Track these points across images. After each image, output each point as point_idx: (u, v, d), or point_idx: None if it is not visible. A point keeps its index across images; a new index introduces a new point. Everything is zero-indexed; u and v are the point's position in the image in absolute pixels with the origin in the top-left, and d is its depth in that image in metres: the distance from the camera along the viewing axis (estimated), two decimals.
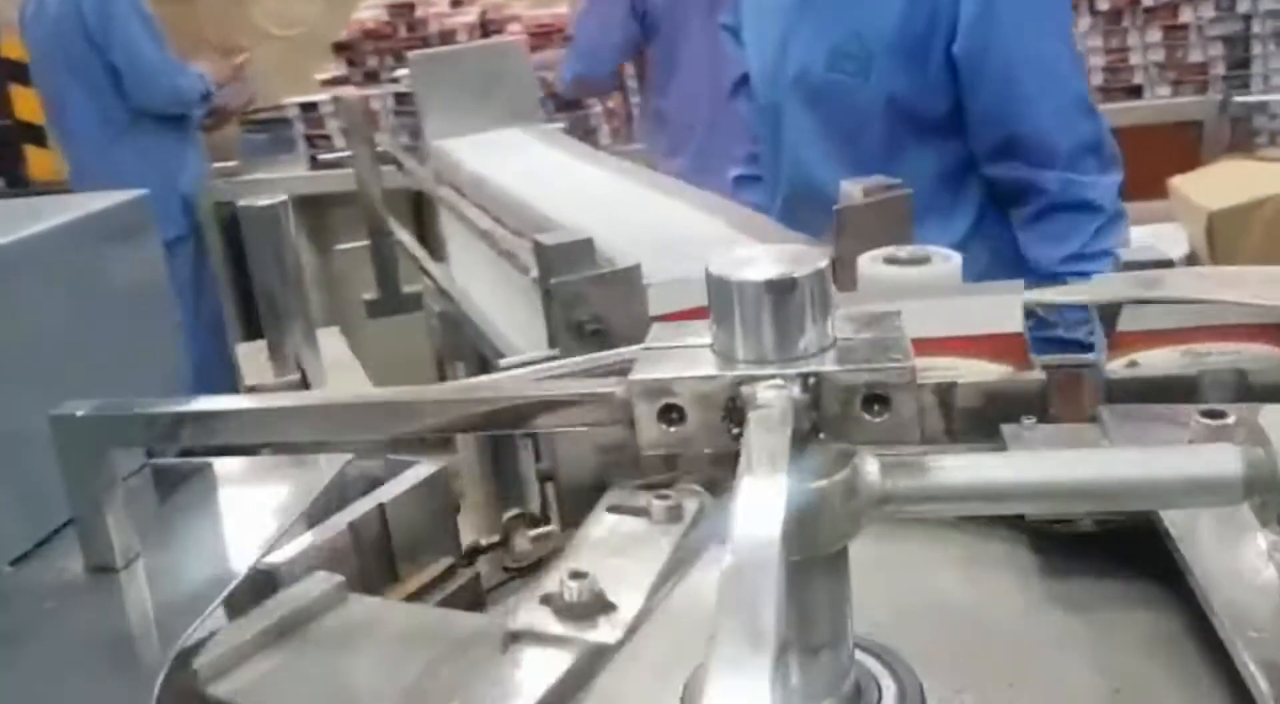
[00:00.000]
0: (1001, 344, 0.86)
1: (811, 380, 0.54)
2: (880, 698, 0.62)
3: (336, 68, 4.12)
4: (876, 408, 0.54)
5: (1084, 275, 0.94)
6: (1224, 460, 0.56)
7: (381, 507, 0.70)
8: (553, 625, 0.54)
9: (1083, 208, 1.68)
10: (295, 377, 0.92)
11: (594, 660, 0.52)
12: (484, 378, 0.79)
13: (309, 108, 3.97)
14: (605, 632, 0.53)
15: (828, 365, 0.54)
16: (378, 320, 2.37)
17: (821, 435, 0.55)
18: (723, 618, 0.37)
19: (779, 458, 0.48)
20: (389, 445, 0.82)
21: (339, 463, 0.73)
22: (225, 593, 0.59)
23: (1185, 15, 3.47)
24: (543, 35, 3.96)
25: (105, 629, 0.58)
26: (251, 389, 0.92)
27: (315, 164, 3.90)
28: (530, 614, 0.54)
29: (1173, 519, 0.67)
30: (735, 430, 0.55)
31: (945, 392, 0.79)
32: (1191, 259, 2.64)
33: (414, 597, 0.72)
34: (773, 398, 0.54)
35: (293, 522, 0.67)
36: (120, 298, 0.78)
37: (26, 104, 4.67)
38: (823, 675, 0.60)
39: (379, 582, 0.71)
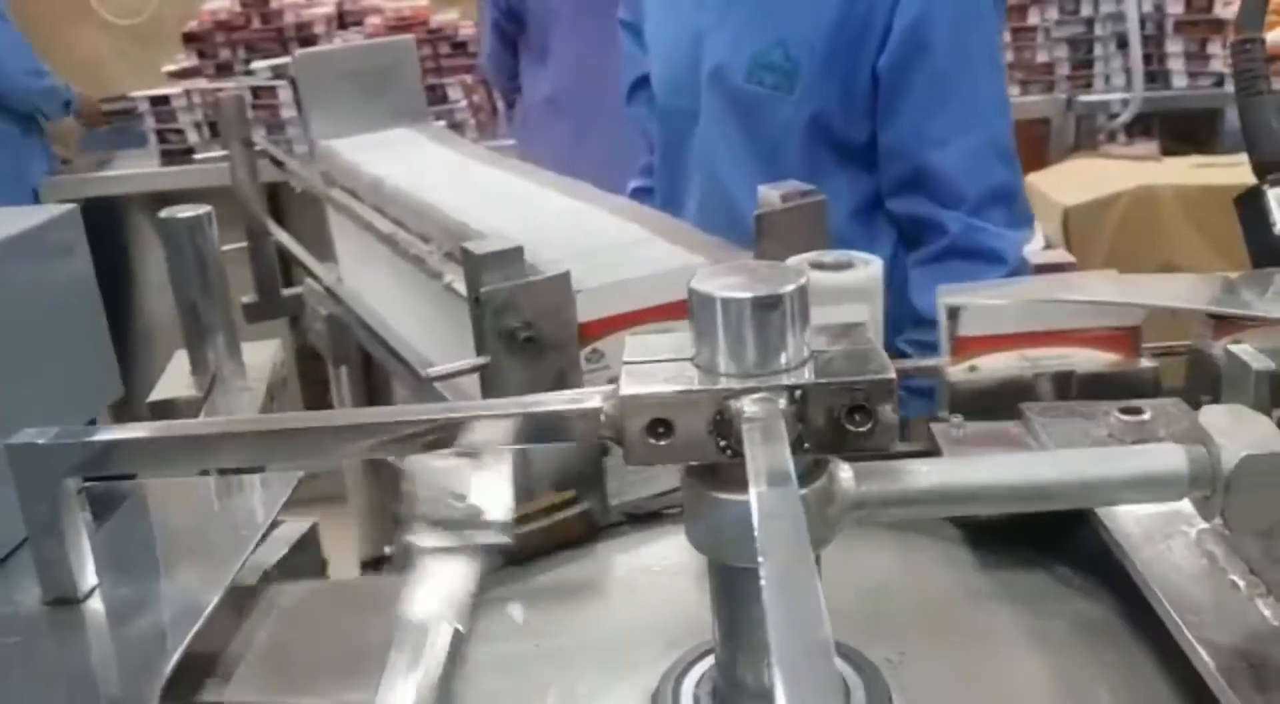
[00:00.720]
0: None
1: (797, 393, 0.56)
2: (849, 697, 0.64)
3: (187, 59, 3.98)
4: (859, 418, 0.56)
5: None
6: (1170, 459, 0.60)
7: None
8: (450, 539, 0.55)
9: (983, 256, 1.54)
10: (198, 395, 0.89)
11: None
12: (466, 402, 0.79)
13: (160, 101, 3.82)
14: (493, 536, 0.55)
15: (811, 377, 0.56)
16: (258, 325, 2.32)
17: (806, 446, 0.57)
18: (780, 638, 0.39)
19: (786, 468, 0.50)
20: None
21: (293, 481, 0.71)
22: (200, 622, 0.58)
23: (1033, 17, 3.62)
24: (402, 28, 3.90)
25: (81, 664, 0.56)
26: (161, 405, 0.89)
27: (167, 159, 3.77)
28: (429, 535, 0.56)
29: (1106, 512, 0.72)
30: (723, 443, 0.57)
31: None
32: None
33: None
34: (761, 411, 0.55)
35: (255, 543, 0.66)
36: (55, 315, 0.75)
37: None
38: None
39: None
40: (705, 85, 1.65)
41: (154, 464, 0.63)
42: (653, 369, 0.59)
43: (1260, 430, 0.59)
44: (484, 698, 0.70)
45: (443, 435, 0.59)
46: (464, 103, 3.69)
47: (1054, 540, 0.79)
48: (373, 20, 3.96)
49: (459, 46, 3.92)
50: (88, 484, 0.75)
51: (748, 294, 0.56)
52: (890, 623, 0.72)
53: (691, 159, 1.74)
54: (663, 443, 0.57)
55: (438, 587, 0.50)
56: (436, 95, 3.67)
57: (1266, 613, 0.61)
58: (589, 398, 0.59)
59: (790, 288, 0.57)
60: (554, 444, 0.67)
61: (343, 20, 4.04)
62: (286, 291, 2.05)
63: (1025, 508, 0.61)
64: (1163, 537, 0.69)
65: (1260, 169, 1.07)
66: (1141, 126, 3.61)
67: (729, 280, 0.58)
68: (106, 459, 0.62)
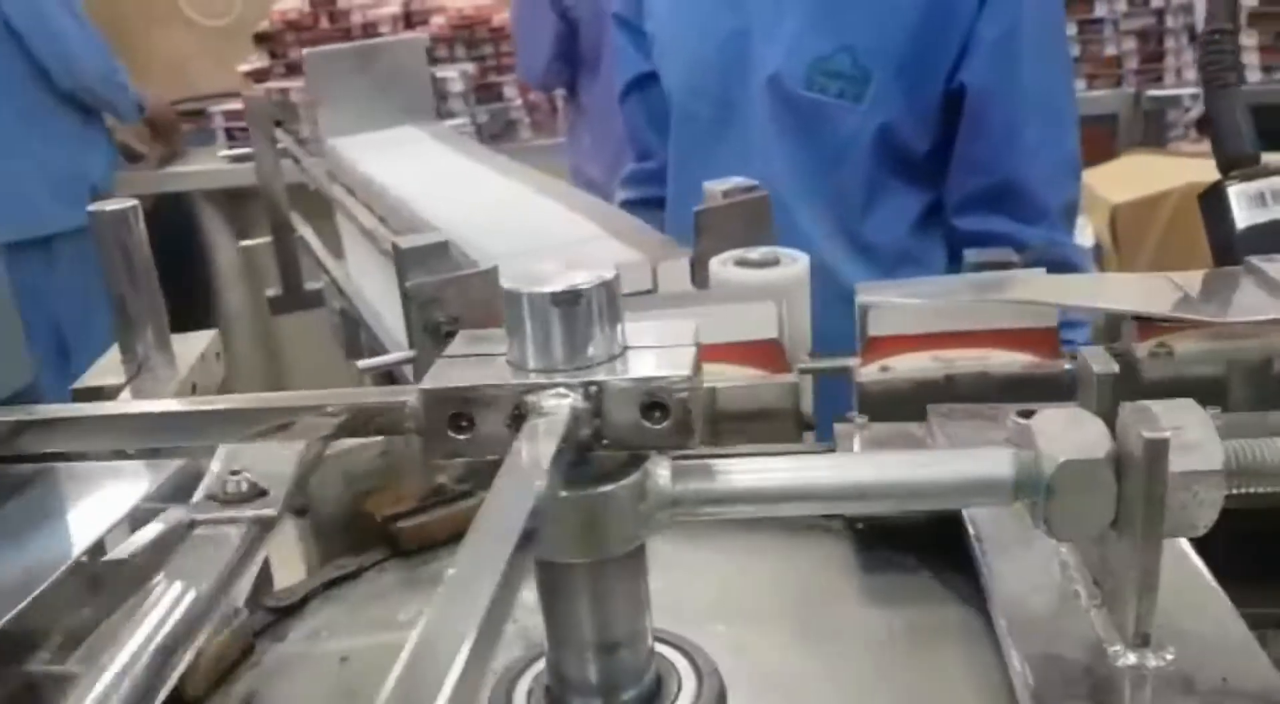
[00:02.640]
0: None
1: (593, 389, 0.56)
2: (680, 688, 0.64)
3: (259, 59, 4.08)
4: (657, 415, 0.56)
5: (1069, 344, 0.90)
6: (997, 463, 0.58)
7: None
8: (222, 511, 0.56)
9: (1065, 269, 1.43)
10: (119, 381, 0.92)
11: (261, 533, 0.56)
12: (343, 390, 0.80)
13: (229, 99, 3.94)
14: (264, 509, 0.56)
15: (608, 374, 0.56)
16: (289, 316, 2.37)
17: (605, 442, 0.57)
18: (437, 604, 0.39)
19: (538, 464, 0.50)
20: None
21: (170, 468, 0.74)
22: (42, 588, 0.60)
23: (1100, 9, 3.53)
24: (466, 27, 3.95)
25: None
26: (87, 392, 0.92)
27: (234, 156, 3.87)
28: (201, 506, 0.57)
29: (973, 516, 0.70)
30: None
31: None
32: (1097, 252, 2.70)
33: None
34: (554, 406, 0.55)
35: (118, 522, 0.68)
36: None
37: None
38: (622, 671, 0.62)
39: None
40: (756, 92, 1.57)
41: (36, 445, 0.65)
42: (466, 362, 0.59)
43: (1089, 435, 0.57)
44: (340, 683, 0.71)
45: (268, 426, 0.60)
46: (519, 101, 3.72)
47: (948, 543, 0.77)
48: (437, 20, 4.02)
49: None
50: None
51: (547, 289, 0.56)
52: (747, 618, 0.71)
53: (720, 166, 1.56)
54: (463, 437, 0.57)
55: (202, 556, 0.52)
56: (492, 93, 3.71)
57: (1097, 625, 0.59)
58: (405, 392, 0.60)
59: (592, 284, 0.56)
60: None
61: (409, 20, 4.11)
62: (310, 285, 2.10)
63: (844, 509, 0.61)
64: (1023, 542, 0.67)
65: (1225, 164, 1.04)
66: None
67: (538, 274, 0.58)
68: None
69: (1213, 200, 1.02)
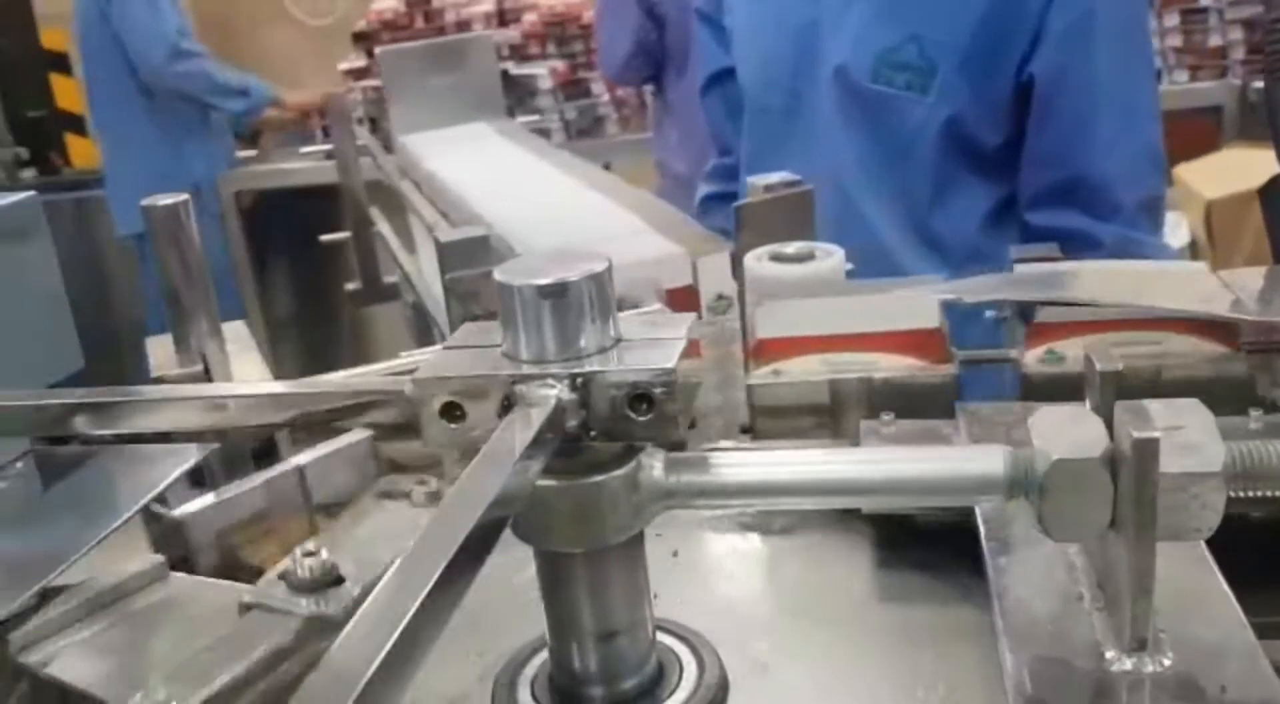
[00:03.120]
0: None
1: (580, 380, 0.56)
2: (681, 677, 0.64)
3: (357, 58, 4.17)
4: (644, 407, 0.56)
5: None
6: (990, 461, 0.57)
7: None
8: (280, 598, 0.57)
9: None
10: (198, 368, 0.95)
11: (320, 630, 0.56)
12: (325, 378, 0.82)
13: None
14: (329, 604, 0.57)
15: (596, 366, 0.56)
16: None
17: (593, 433, 0.57)
18: (391, 575, 0.40)
19: (510, 452, 0.51)
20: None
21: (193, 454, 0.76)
22: (55, 574, 0.63)
23: None
24: (557, 24, 3.98)
25: None
26: (158, 379, 0.95)
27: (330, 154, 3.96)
28: (265, 587, 0.58)
29: (986, 516, 0.69)
30: None
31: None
32: (1193, 248, 2.61)
33: None
34: (541, 397, 0.56)
35: (134, 510, 0.71)
36: (12, 292, 0.82)
37: (67, 93, 4.79)
38: (622, 660, 0.62)
39: None
40: (824, 84, 1.56)
41: (87, 428, 0.68)
42: (463, 353, 0.60)
43: (1086, 434, 0.56)
44: None
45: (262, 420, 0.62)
46: (606, 97, 3.74)
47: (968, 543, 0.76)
48: (529, 17, 4.05)
49: None
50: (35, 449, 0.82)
51: (534, 281, 0.57)
52: (758, 611, 0.71)
53: (792, 160, 1.53)
54: (455, 426, 0.58)
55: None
56: (579, 89, 3.73)
57: (1097, 628, 0.58)
58: (402, 382, 0.61)
59: (581, 275, 0.57)
60: None
61: (502, 17, 4.15)
62: (387, 278, 2.15)
63: (836, 504, 0.60)
64: (1033, 543, 0.66)
65: None
66: None
67: (530, 268, 0.59)
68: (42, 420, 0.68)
69: (1275, 196, 0.99)
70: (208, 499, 0.81)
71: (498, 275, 0.59)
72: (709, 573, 0.78)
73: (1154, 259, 1.45)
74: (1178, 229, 2.57)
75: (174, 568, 0.70)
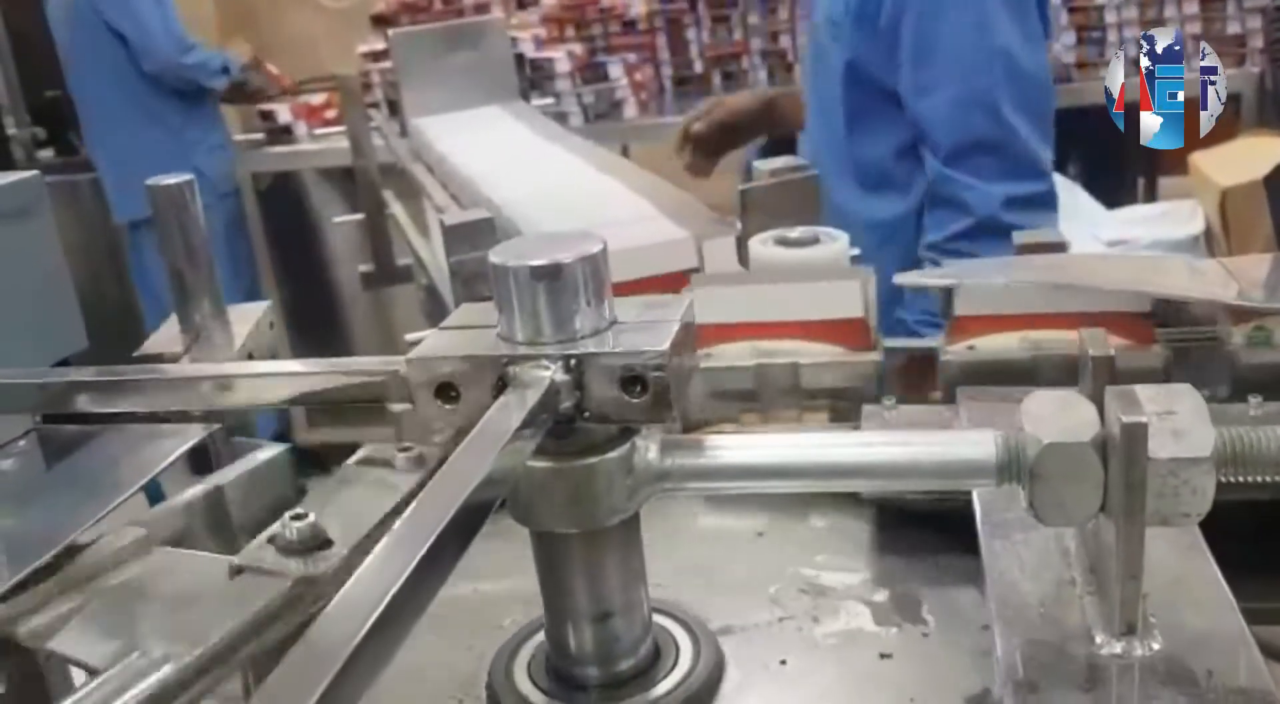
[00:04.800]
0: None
1: (574, 362, 0.57)
2: (677, 658, 0.65)
3: (376, 40, 4.17)
4: (638, 389, 0.56)
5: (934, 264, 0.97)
6: (980, 445, 0.57)
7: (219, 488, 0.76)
8: (270, 561, 0.58)
9: (950, 204, 1.70)
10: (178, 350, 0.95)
11: (307, 590, 0.57)
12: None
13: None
14: (318, 566, 0.58)
15: (590, 348, 0.57)
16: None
17: (586, 414, 0.57)
18: (378, 551, 0.41)
19: (502, 432, 0.51)
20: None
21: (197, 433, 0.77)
22: (50, 556, 0.64)
23: None
24: (577, 8, 3.97)
25: None
26: (146, 359, 0.95)
27: (324, 136, 3.96)
28: (255, 550, 0.59)
29: (983, 499, 0.69)
30: None
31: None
32: (1208, 236, 2.60)
33: None
34: (534, 378, 0.56)
35: (134, 490, 0.71)
36: (15, 270, 0.82)
37: None
38: (617, 641, 0.63)
39: None
40: (810, 35, 1.93)
41: (87, 405, 0.68)
42: (458, 334, 0.61)
43: (1077, 418, 0.56)
44: None
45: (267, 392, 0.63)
46: (624, 81, 3.73)
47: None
48: (548, 1, 4.05)
49: (629, 25, 3.96)
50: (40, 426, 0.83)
51: (528, 263, 0.57)
52: (748, 592, 0.72)
53: (811, 93, 1.98)
54: (449, 406, 0.59)
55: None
56: (598, 73, 3.73)
57: (1088, 613, 0.58)
58: (396, 362, 0.62)
59: (574, 258, 0.57)
60: None
61: (521, 2, 4.15)
62: (401, 261, 2.15)
63: (829, 487, 0.60)
64: (1028, 527, 0.66)
65: None
66: None
67: (525, 249, 0.59)
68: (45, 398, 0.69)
69: (1278, 184, 0.98)
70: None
71: (492, 257, 0.59)
72: (703, 553, 0.78)
73: (968, 201, 1.69)
74: (1193, 217, 2.55)
75: None
